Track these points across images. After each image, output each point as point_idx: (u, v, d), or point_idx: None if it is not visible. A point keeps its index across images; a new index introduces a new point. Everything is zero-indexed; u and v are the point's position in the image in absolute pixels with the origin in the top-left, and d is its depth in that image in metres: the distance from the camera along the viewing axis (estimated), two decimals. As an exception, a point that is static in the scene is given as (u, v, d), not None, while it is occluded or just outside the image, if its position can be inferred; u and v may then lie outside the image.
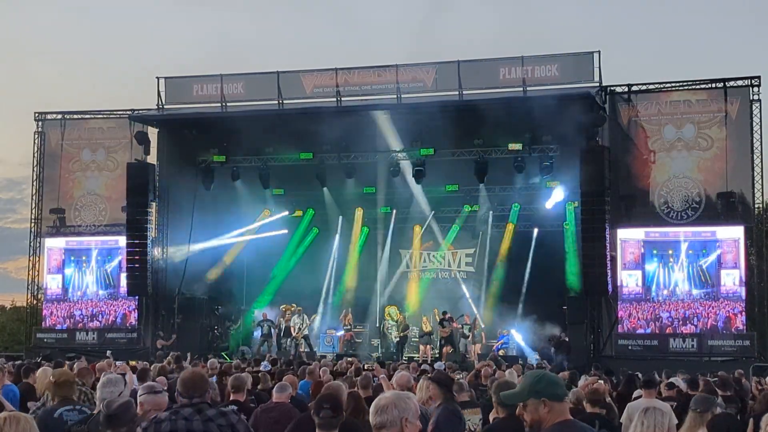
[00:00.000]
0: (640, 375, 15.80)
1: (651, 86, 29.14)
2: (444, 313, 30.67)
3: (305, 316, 31.46)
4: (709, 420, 7.02)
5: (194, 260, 31.65)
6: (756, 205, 28.49)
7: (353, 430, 7.92)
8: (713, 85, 28.51)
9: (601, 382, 14.96)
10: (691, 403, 7.76)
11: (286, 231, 35.07)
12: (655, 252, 28.40)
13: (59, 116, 33.67)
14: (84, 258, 33.05)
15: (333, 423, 6.71)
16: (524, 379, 5.23)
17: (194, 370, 7.08)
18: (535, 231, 32.77)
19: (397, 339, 31.29)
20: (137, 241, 30.31)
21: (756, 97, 27.92)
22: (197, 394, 6.58)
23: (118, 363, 20.38)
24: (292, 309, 32.02)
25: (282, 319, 31.74)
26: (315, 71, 30.69)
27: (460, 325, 30.71)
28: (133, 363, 20.09)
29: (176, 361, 19.02)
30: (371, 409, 4.78)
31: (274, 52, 78.42)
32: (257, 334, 31.71)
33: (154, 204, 30.96)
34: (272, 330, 31.34)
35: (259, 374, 14.26)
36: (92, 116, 33.71)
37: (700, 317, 27.77)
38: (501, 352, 29.38)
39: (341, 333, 32.04)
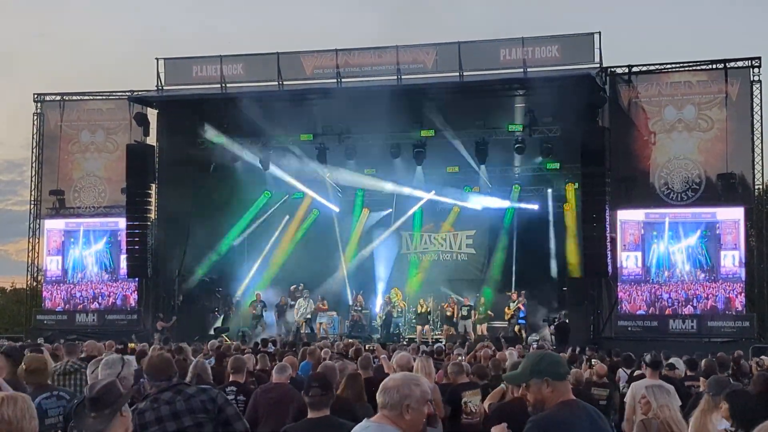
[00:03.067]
0: (633, 355, 15.91)
1: (651, 67, 29.06)
2: (517, 292, 30.80)
3: (311, 300, 31.46)
4: (727, 395, 6.98)
5: (194, 242, 31.63)
6: (756, 187, 28.50)
7: (346, 411, 7.91)
8: (714, 66, 28.43)
9: (597, 361, 15.03)
10: (707, 387, 7.75)
11: (286, 212, 35.07)
12: (655, 233, 28.37)
13: (58, 98, 33.56)
14: (84, 240, 33.01)
15: (323, 401, 6.72)
16: (525, 360, 5.23)
17: (159, 354, 7.12)
18: (536, 212, 32.79)
19: (383, 319, 31.30)
20: (137, 223, 30.31)
21: (756, 78, 27.86)
22: (164, 377, 6.61)
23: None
24: (300, 290, 32.09)
25: (289, 299, 31.80)
26: (315, 52, 30.58)
27: (523, 301, 30.60)
28: (131, 345, 20.10)
29: (165, 342, 19.05)
30: (380, 387, 4.75)
31: (274, 33, 78.21)
32: (252, 315, 31.75)
33: (153, 185, 30.94)
34: (264, 311, 31.39)
35: (257, 355, 14.27)
36: (91, 97, 33.60)
37: (699, 298, 27.77)
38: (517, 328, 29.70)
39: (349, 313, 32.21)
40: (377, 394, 4.72)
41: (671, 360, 14.69)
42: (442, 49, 29.59)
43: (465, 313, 30.51)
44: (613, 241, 27.86)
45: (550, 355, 5.17)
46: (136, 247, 30.31)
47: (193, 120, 31.75)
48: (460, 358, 14.52)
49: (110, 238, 32.75)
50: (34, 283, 34.32)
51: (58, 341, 20.37)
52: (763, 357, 18.21)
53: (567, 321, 28.77)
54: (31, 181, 33.54)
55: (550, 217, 32.19)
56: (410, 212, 34.48)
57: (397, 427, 4.64)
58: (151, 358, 6.92)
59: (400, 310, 31.98)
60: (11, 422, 4.43)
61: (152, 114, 31.61)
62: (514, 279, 32.11)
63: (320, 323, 31.30)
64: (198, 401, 6.44)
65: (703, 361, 13.87)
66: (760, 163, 27.84)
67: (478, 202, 33.22)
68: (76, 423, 4.93)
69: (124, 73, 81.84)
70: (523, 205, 33.01)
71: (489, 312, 31.16)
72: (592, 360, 16.64)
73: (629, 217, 28.66)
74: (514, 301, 30.45)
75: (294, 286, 32.44)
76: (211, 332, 30.19)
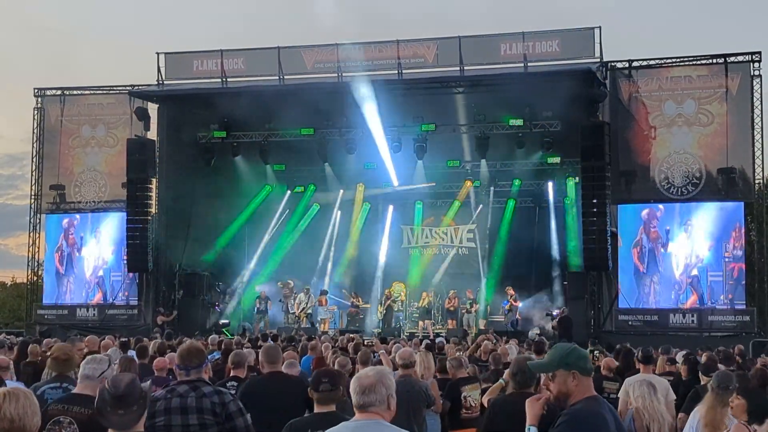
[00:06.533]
0: (635, 349, 15.87)
1: (652, 62, 29.04)
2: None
3: (312, 295, 31.47)
4: (742, 391, 6.99)
5: (195, 236, 31.66)
6: (756, 181, 28.48)
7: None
8: (714, 61, 28.43)
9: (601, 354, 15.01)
10: (712, 381, 7.72)
11: (287, 207, 35.07)
12: (654, 228, 28.37)
13: (59, 92, 33.53)
14: (84, 234, 33.01)
15: (332, 397, 6.74)
16: (553, 351, 5.26)
17: (192, 342, 7.09)
18: (536, 206, 32.81)
19: (384, 313, 31.30)
20: (137, 218, 30.29)
21: (756, 72, 27.86)
22: (194, 365, 6.61)
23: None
24: (291, 286, 32.06)
25: (287, 294, 31.81)
26: (316, 47, 30.57)
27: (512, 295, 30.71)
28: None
29: (167, 338, 19.06)
30: (354, 388, 4.76)
31: (275, 27, 78.05)
32: (256, 310, 31.75)
33: (154, 180, 30.91)
34: (268, 307, 31.40)
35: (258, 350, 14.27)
36: (92, 92, 33.57)
37: (700, 293, 27.77)
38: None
39: (348, 307, 32.17)
40: (356, 395, 4.74)
41: (674, 355, 14.67)
42: (442, 43, 29.56)
43: (468, 307, 30.54)
44: (614, 235, 27.87)
45: (578, 350, 5.20)
46: (137, 241, 30.28)
47: (193, 114, 31.78)
48: (459, 353, 14.52)
49: (111, 232, 32.72)
50: (35, 278, 34.34)
51: (57, 335, 20.44)
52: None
53: (569, 315, 28.70)
54: (32, 175, 33.57)
55: (551, 212, 32.21)
56: (411, 206, 34.54)
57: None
58: (181, 346, 6.91)
59: (401, 303, 32.02)
60: (13, 419, 4.43)
61: (153, 108, 31.59)
62: (515, 273, 32.12)
63: (321, 318, 31.28)
64: (209, 402, 6.43)
65: (704, 355, 13.87)
66: (760, 157, 27.86)
67: (479, 196, 33.30)
68: (102, 420, 4.95)
69: (124, 67, 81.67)
70: (523, 200, 33.06)
71: (489, 306, 31.24)
72: (596, 352, 16.62)
73: (629, 212, 28.67)
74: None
75: (280, 282, 32.51)
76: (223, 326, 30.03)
